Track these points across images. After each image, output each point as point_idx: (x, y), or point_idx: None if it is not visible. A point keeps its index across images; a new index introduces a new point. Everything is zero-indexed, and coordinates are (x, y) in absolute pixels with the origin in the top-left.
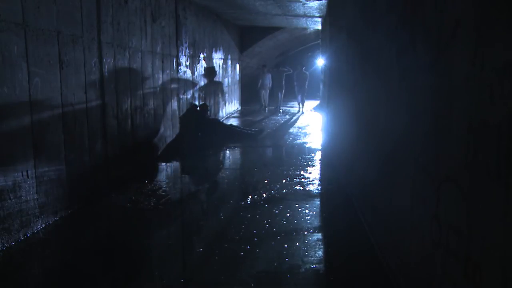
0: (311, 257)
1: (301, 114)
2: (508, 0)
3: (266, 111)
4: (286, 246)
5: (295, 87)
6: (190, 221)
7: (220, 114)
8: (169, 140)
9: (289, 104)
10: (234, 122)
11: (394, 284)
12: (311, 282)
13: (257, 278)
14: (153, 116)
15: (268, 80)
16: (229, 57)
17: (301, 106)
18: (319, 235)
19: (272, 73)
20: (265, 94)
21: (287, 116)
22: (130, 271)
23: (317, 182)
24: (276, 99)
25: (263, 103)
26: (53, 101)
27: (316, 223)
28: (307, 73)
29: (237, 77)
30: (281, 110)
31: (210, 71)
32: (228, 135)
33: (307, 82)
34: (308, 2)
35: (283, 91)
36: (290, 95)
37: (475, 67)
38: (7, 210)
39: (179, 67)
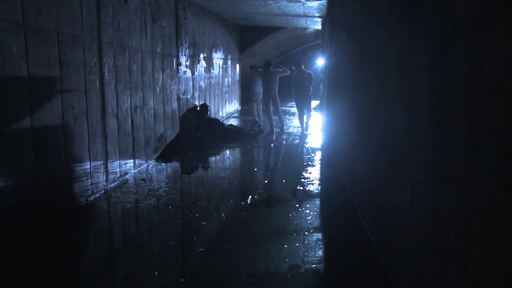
0: (311, 257)
1: (305, 136)
2: (508, 0)
3: (257, 127)
4: (286, 246)
5: (294, 95)
6: (190, 221)
7: (220, 114)
8: (169, 140)
9: (289, 104)
10: (234, 122)
11: (394, 284)
12: (311, 282)
13: (257, 278)
14: (153, 116)
15: (259, 87)
16: (229, 57)
17: (305, 125)
18: (319, 235)
19: (262, 74)
20: (257, 107)
21: (287, 117)
22: (129, 271)
23: (317, 182)
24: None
25: (257, 119)
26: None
27: (316, 223)
28: (311, 73)
29: (237, 77)
30: (276, 131)
31: None
32: (228, 135)
33: (311, 87)
34: (308, 2)
35: (278, 102)
36: (290, 94)
37: (475, 67)
38: None
39: (179, 67)
